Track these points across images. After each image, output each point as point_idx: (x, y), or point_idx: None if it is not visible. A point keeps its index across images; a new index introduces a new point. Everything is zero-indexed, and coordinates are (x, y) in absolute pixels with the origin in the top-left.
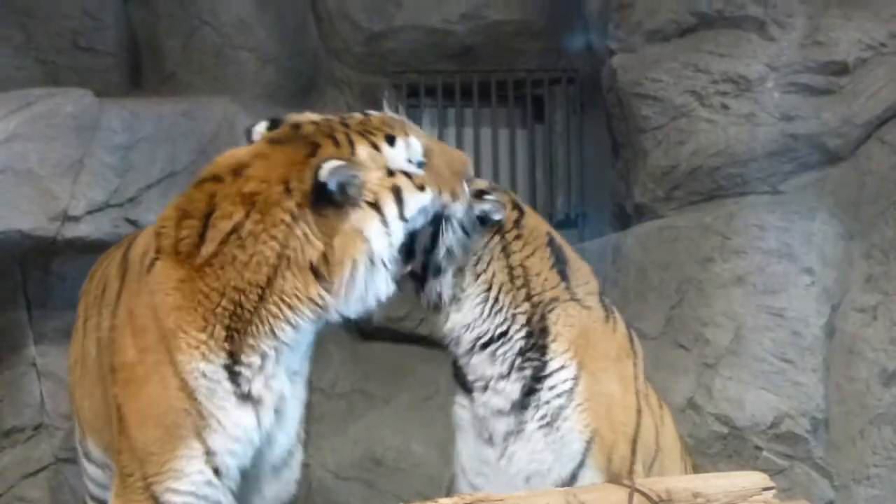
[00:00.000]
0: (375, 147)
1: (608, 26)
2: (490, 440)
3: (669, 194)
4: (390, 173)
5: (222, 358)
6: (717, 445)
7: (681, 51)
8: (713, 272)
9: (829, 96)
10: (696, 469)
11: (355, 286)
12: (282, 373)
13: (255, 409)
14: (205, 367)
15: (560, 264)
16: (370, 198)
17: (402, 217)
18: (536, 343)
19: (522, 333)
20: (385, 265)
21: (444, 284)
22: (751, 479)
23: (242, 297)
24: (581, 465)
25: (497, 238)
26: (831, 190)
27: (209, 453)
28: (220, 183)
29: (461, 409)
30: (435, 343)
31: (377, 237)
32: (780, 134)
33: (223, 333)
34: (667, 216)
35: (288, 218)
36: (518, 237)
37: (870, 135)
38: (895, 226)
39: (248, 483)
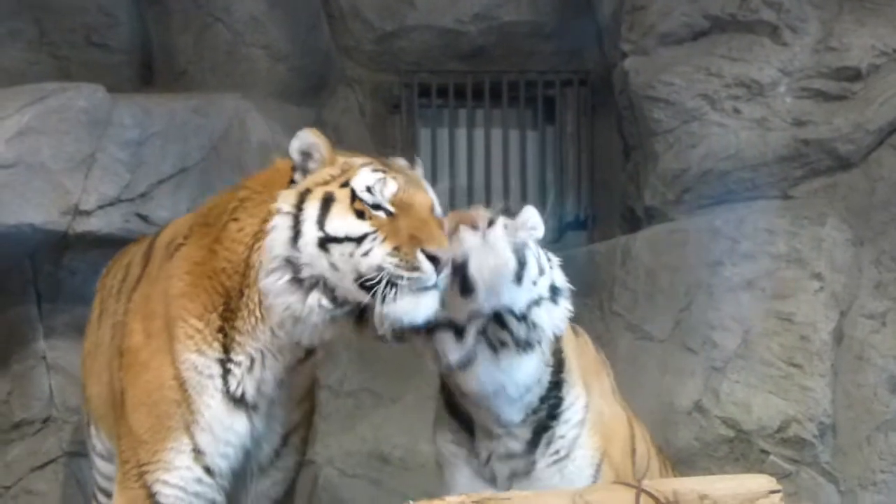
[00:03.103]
0: (356, 164)
1: (621, 28)
2: (493, 480)
3: (680, 197)
4: (343, 185)
5: (216, 351)
6: (724, 449)
7: (693, 54)
8: (722, 276)
9: (841, 102)
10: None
11: (267, 291)
12: (271, 379)
13: (249, 414)
14: (196, 360)
15: None
16: (306, 185)
17: (319, 225)
18: (553, 381)
19: (548, 376)
20: (290, 267)
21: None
22: (758, 482)
23: (230, 283)
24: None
25: None
26: (842, 196)
27: (198, 451)
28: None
29: (456, 447)
30: None
31: (280, 224)
32: (792, 139)
33: (217, 323)
34: (677, 219)
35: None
36: None
37: (881, 141)
38: None
39: (236, 480)
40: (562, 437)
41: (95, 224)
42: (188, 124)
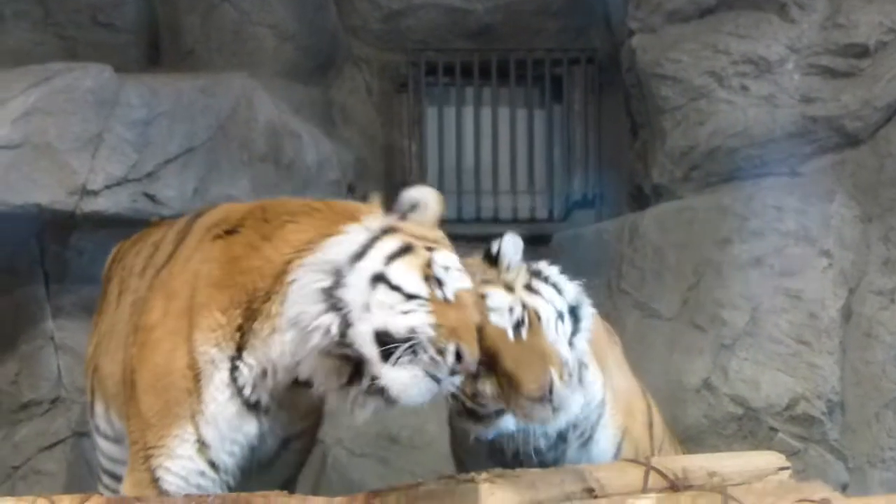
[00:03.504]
0: (448, 244)
1: (628, 6)
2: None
3: (688, 175)
4: (427, 249)
5: (230, 349)
6: (732, 426)
7: (701, 31)
8: (731, 253)
9: (849, 79)
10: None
11: (299, 286)
12: (283, 388)
13: (259, 419)
14: (214, 353)
15: None
16: (398, 224)
17: (386, 261)
18: None
19: None
20: (333, 277)
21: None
22: (766, 459)
23: (261, 283)
24: None
25: None
26: (850, 172)
27: (202, 443)
28: None
29: (476, 442)
30: None
31: (353, 235)
32: (800, 116)
33: (238, 321)
34: (685, 197)
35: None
36: None
37: (889, 118)
38: None
39: (242, 476)
40: (585, 418)
41: (102, 204)
42: (195, 104)
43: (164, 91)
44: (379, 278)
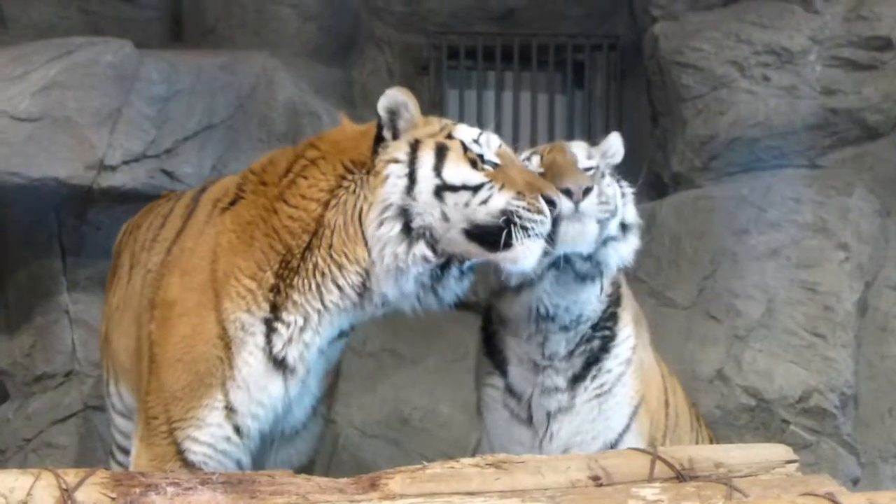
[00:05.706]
0: (450, 122)
1: None
2: (529, 420)
3: (707, 164)
4: (449, 137)
5: (264, 311)
6: (745, 417)
7: (723, 20)
8: (748, 244)
9: (871, 71)
10: (714, 440)
11: (377, 241)
12: (316, 346)
13: (285, 378)
14: (245, 318)
15: None
16: (415, 136)
17: (436, 172)
18: (612, 313)
19: (604, 306)
20: (403, 217)
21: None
22: (774, 452)
23: (294, 241)
24: (626, 429)
25: None
26: (869, 166)
27: (230, 409)
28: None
29: (493, 389)
30: (465, 305)
31: (395, 173)
32: (821, 108)
33: (271, 282)
34: (703, 186)
35: (358, 156)
36: None
37: None
38: None
39: (262, 445)
40: (608, 371)
41: (120, 179)
42: (215, 81)
43: (185, 68)
44: (441, 189)
